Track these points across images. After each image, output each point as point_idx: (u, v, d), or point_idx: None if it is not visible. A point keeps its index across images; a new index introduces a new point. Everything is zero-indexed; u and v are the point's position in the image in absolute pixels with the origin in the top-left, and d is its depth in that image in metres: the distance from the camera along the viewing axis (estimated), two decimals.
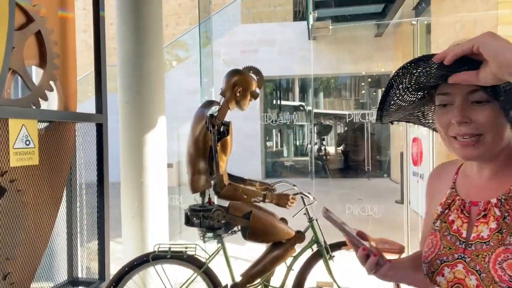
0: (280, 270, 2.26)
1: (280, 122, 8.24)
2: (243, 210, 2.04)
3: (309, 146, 11.10)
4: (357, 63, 8.95)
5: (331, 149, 11.47)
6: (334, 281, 2.30)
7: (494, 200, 0.72)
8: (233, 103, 2.14)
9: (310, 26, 7.75)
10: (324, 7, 8.10)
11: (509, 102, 0.66)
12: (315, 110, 10.71)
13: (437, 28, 6.34)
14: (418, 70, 0.70)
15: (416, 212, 4.04)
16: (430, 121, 0.88)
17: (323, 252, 2.21)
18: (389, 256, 0.85)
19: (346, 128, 11.82)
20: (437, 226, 0.81)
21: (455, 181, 0.83)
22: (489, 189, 0.75)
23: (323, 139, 10.98)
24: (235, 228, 2.14)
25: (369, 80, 10.09)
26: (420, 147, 5.77)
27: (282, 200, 2.04)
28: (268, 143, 11.09)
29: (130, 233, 2.89)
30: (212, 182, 2.03)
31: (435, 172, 0.93)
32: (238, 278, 2.13)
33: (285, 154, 11.80)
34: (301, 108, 10.99)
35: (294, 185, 2.32)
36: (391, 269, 0.80)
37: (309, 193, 2.23)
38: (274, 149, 11.81)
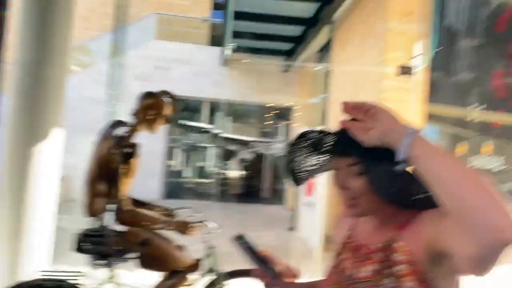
0: None
1: (186, 142, 8.17)
2: (139, 236, 1.96)
3: (212, 169, 11.13)
4: (264, 94, 9.44)
5: (233, 174, 11.68)
6: None
7: (379, 245, 0.82)
8: (144, 125, 2.09)
9: (225, 55, 8.00)
10: (240, 38, 8.46)
11: (374, 179, 0.79)
12: (223, 134, 10.90)
13: (335, 73, 7.07)
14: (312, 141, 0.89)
15: (305, 240, 4.32)
16: None
17: (217, 281, 2.22)
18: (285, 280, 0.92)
19: (249, 154, 12.20)
20: (334, 263, 0.92)
21: (353, 226, 0.95)
22: (376, 234, 0.85)
23: (226, 164, 11.14)
24: (130, 255, 2.04)
25: (274, 112, 10.69)
26: (310, 181, 6.24)
27: (183, 228, 2.00)
28: (170, 162, 10.82)
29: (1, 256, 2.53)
30: (111, 206, 1.92)
31: (338, 219, 1.05)
32: None
33: (187, 174, 11.62)
34: (207, 130, 11.06)
35: (197, 213, 2.32)
36: None
37: (211, 221, 2.25)
38: (176, 169, 11.57)
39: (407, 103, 4.75)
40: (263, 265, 0.86)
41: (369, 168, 0.79)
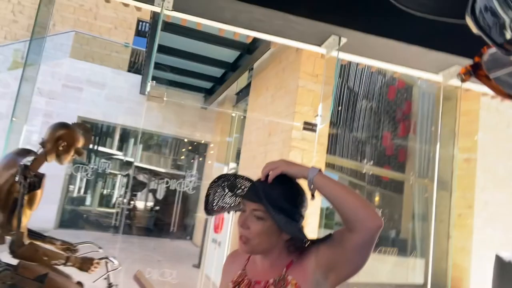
0: None
1: (90, 168, 7.73)
2: (35, 271, 1.88)
3: (119, 199, 10.54)
4: (181, 127, 9.48)
5: (140, 205, 11.22)
6: None
7: (271, 280, 1.01)
8: (53, 156, 2.05)
9: (146, 87, 7.92)
10: (161, 70, 8.52)
11: (280, 222, 0.99)
12: (135, 163, 10.51)
13: (251, 118, 7.50)
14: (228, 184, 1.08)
15: (209, 277, 4.37)
16: None
17: None
18: None
19: (159, 186, 11.90)
20: None
21: (246, 265, 1.10)
22: (268, 272, 1.03)
23: (135, 194, 10.70)
24: None
25: (190, 146, 10.74)
26: (222, 216, 6.39)
27: (85, 265, 1.96)
28: (71, 188, 10.02)
29: None
30: (8, 238, 1.82)
31: (231, 255, 1.20)
32: None
33: (88, 202, 10.83)
34: (117, 157, 10.59)
35: (100, 248, 2.29)
36: None
37: (114, 257, 2.24)
38: (76, 195, 10.71)
39: (311, 153, 5.26)
40: None
41: (273, 215, 0.99)
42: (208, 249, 5.80)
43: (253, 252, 1.04)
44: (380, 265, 7.76)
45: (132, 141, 10.81)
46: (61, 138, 2.05)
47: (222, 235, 5.53)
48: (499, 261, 3.68)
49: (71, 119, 2.36)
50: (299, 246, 1.05)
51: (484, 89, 3.99)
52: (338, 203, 0.96)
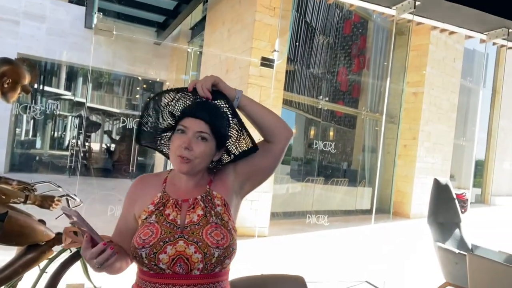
0: (29, 274, 2.15)
1: (36, 112, 7.32)
2: None
3: (72, 141, 10.17)
4: (134, 64, 9.04)
5: (96, 147, 10.93)
6: (91, 281, 2.38)
7: (199, 197, 1.07)
8: None
9: (92, 19, 7.30)
10: (107, 0, 7.85)
11: (220, 143, 1.09)
12: (85, 103, 10.02)
13: (207, 54, 7.28)
14: (176, 97, 1.10)
15: None
16: (165, 148, 1.21)
17: (80, 254, 2.25)
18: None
19: (114, 126, 11.57)
20: (152, 219, 1.03)
21: (165, 187, 1.11)
22: (193, 191, 1.09)
23: (89, 136, 10.35)
24: None
25: (144, 85, 10.34)
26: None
27: (46, 202, 1.96)
28: (17, 131, 9.50)
29: None
30: None
31: (139, 181, 1.17)
32: None
33: (38, 145, 10.38)
34: (66, 98, 10.03)
35: (59, 186, 2.28)
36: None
37: (75, 194, 2.25)
38: (24, 138, 10.20)
39: (268, 89, 5.30)
40: (94, 235, 0.88)
41: (217, 138, 1.07)
42: None
43: (190, 172, 1.06)
44: (332, 195, 8.37)
45: (80, 80, 10.19)
46: (5, 75, 1.92)
47: None
48: (437, 183, 4.10)
49: (10, 57, 2.19)
50: (217, 166, 1.18)
51: (435, 23, 4.14)
52: (260, 119, 1.10)
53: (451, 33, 4.55)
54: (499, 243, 5.05)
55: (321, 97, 7.93)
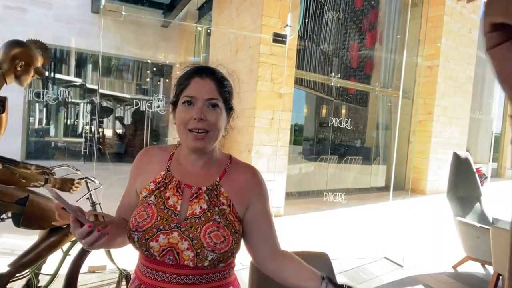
0: (52, 256, 2.17)
1: (50, 97, 7.35)
2: (15, 195, 1.86)
3: (86, 127, 10.24)
4: (142, 48, 8.97)
5: (108, 132, 11.01)
6: (114, 263, 2.40)
7: (204, 188, 0.94)
8: (12, 77, 1.89)
9: (100, 3, 7.21)
10: None
11: (228, 107, 0.98)
12: (97, 90, 10.03)
13: (216, 34, 7.15)
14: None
15: None
16: None
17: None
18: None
19: (127, 112, 11.61)
20: (151, 200, 0.94)
21: (170, 165, 0.99)
22: (200, 177, 0.97)
23: (102, 121, 10.41)
24: (3, 216, 1.93)
25: (154, 68, 10.28)
26: None
27: (66, 185, 1.95)
28: (31, 120, 9.59)
29: None
30: None
31: (144, 153, 1.05)
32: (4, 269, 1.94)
33: (52, 133, 10.49)
34: (77, 84, 10.05)
35: (77, 170, 2.27)
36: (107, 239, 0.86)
37: (94, 177, 2.24)
38: (38, 126, 10.31)
39: (280, 67, 5.19)
40: (79, 215, 0.82)
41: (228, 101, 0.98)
42: None
43: (207, 148, 0.95)
44: (346, 173, 8.31)
45: (90, 66, 10.18)
46: (18, 57, 1.89)
47: None
48: (456, 157, 4.01)
49: None
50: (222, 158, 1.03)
51: None
52: None
53: (469, 1, 4.36)
54: None
55: (332, 74, 7.77)
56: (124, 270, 2.45)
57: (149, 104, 5.40)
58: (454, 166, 4.00)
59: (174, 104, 0.99)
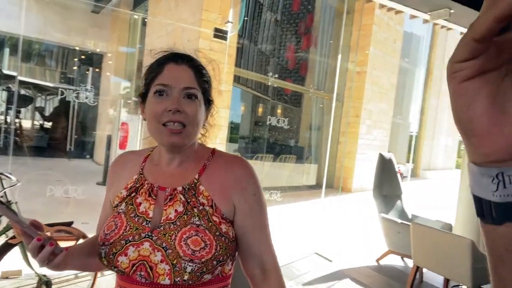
0: None
1: None
2: None
3: (0, 117, 9.18)
4: (69, 34, 8.30)
5: (27, 124, 10.01)
6: (31, 267, 2.18)
7: (180, 188, 0.81)
8: None
9: None
10: None
11: (206, 99, 0.87)
12: (16, 76, 9.05)
13: (152, 24, 6.87)
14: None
15: None
16: None
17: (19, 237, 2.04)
18: (67, 244, 0.84)
19: (49, 102, 10.67)
20: (121, 208, 0.83)
21: (143, 168, 0.88)
22: (175, 177, 0.84)
23: (19, 111, 9.42)
24: None
25: (82, 56, 9.56)
26: (127, 131, 6.12)
27: None
28: None
29: None
30: None
31: (119, 160, 0.95)
32: None
33: None
34: None
35: None
36: (67, 257, 0.77)
37: (10, 173, 2.00)
38: None
39: (220, 64, 5.13)
40: (25, 227, 0.74)
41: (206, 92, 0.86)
42: None
43: (185, 144, 0.83)
44: (280, 172, 8.52)
45: (7, 50, 9.16)
46: None
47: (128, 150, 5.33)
48: (381, 158, 4.31)
49: None
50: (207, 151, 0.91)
51: (383, 0, 4.24)
52: None
53: (397, 12, 4.70)
54: (432, 212, 5.48)
55: (270, 74, 7.91)
56: (44, 275, 2.23)
57: (76, 95, 5.00)
58: (379, 166, 4.30)
59: (143, 96, 0.86)
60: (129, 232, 0.78)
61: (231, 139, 8.54)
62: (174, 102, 0.79)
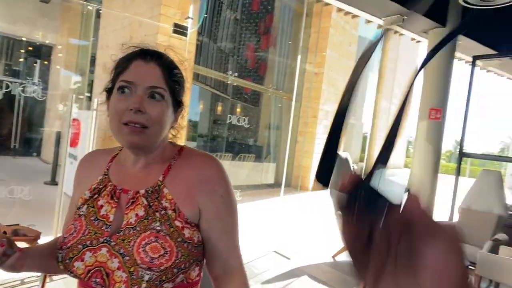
0: None
1: None
2: None
3: None
4: (15, 24, 7.75)
5: None
6: None
7: (142, 191, 0.77)
8: None
9: None
10: None
11: (175, 101, 0.82)
12: None
13: (107, 17, 6.60)
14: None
15: (68, 194, 4.06)
16: None
17: None
18: (23, 245, 0.81)
19: None
20: (82, 211, 0.79)
21: (109, 168, 0.85)
22: (139, 179, 0.80)
23: None
24: None
25: (29, 47, 8.94)
26: (79, 128, 5.82)
27: None
28: None
29: None
30: None
31: (86, 159, 0.91)
32: None
33: None
34: None
35: None
36: (21, 259, 0.74)
37: None
38: None
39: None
40: None
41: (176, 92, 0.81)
42: (64, 165, 5.31)
43: (146, 145, 0.78)
44: (239, 170, 8.52)
45: None
46: None
47: (79, 149, 5.09)
48: (339, 157, 4.43)
49: None
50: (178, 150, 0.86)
51: (339, 4, 4.36)
52: None
53: (354, 16, 4.85)
54: None
55: (230, 72, 7.88)
56: None
57: (22, 88, 4.69)
58: (336, 165, 4.42)
59: (109, 91, 0.82)
60: (87, 236, 0.74)
61: (190, 138, 8.42)
62: (137, 101, 0.75)
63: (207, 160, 0.83)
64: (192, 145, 8.72)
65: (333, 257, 4.22)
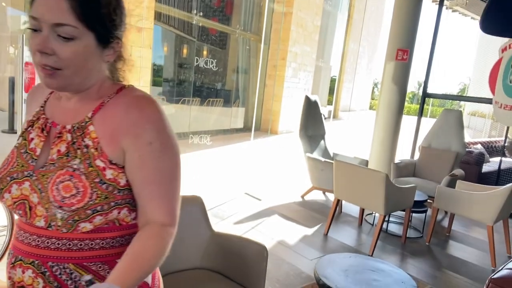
0: None
1: None
2: None
3: None
4: None
5: None
6: None
7: (69, 126, 0.74)
8: None
9: None
10: None
11: (103, 31, 0.70)
12: None
13: None
14: None
15: None
16: None
17: None
18: None
19: None
20: (18, 143, 0.78)
21: (46, 101, 0.81)
22: (69, 115, 0.76)
23: None
24: None
25: None
26: (33, 72, 5.44)
27: None
28: None
29: None
30: None
31: (31, 91, 0.86)
32: None
33: None
34: None
35: None
36: None
37: None
38: None
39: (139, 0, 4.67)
40: None
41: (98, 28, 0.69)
42: (21, 112, 5.03)
43: (66, 88, 0.72)
44: (208, 115, 8.42)
45: None
46: None
47: None
48: (308, 100, 4.45)
49: None
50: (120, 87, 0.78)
51: None
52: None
53: None
54: (349, 150, 5.94)
55: (194, 11, 7.45)
56: None
57: None
58: (305, 108, 4.45)
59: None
60: (15, 168, 0.74)
61: (154, 82, 8.10)
62: (40, 42, 0.65)
63: (141, 102, 0.74)
64: (158, 90, 8.43)
65: (302, 196, 4.40)
